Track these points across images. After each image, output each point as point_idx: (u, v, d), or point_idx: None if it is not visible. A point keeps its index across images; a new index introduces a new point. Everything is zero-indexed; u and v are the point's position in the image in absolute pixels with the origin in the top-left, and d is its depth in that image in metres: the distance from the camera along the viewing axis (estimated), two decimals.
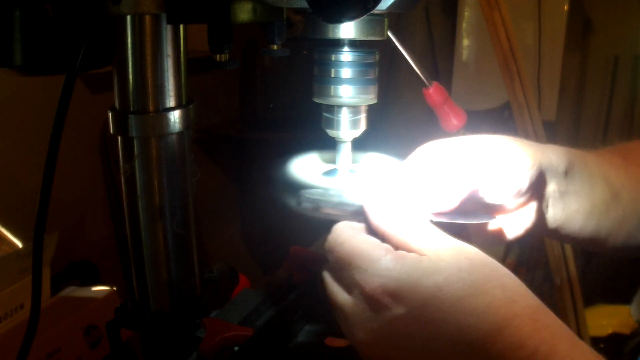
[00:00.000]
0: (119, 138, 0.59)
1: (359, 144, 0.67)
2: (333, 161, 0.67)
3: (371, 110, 0.66)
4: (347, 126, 0.63)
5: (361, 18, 0.54)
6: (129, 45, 0.55)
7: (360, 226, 0.49)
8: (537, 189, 0.56)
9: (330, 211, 0.52)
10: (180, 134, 0.59)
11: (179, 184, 0.61)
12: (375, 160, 0.71)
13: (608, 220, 0.60)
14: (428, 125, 2.32)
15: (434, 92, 0.67)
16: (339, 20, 0.52)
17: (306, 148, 0.71)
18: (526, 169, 0.53)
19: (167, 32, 0.56)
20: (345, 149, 0.65)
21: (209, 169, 2.36)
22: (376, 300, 0.42)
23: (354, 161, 0.67)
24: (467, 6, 2.41)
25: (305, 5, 0.51)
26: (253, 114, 2.40)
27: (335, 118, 0.63)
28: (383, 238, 0.47)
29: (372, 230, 0.49)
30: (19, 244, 1.14)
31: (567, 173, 0.56)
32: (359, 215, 0.50)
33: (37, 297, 0.61)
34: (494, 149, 0.53)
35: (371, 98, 0.63)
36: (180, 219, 0.62)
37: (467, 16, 2.43)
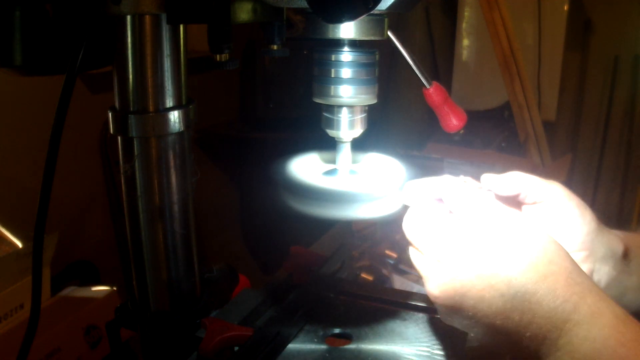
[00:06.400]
0: (119, 138, 0.59)
1: (359, 144, 0.67)
2: (333, 161, 0.67)
3: (371, 110, 0.66)
4: (347, 126, 0.63)
5: (361, 18, 0.54)
6: (129, 45, 0.55)
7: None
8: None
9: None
10: (180, 134, 0.59)
11: (179, 184, 0.61)
12: (375, 160, 0.71)
13: None
14: (428, 125, 2.33)
15: (434, 92, 0.67)
16: (339, 20, 0.52)
17: (306, 148, 0.71)
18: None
19: (167, 32, 0.56)
20: (345, 149, 0.65)
21: (209, 169, 2.36)
22: (444, 261, 0.53)
23: (354, 161, 0.67)
24: (467, 6, 2.41)
25: (305, 5, 0.51)
26: (253, 114, 2.40)
27: (335, 118, 0.63)
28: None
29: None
30: (19, 244, 1.14)
31: (624, 257, 0.63)
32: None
33: (37, 297, 0.61)
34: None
35: (371, 98, 0.63)
36: (180, 219, 0.62)
37: (467, 16, 2.43)
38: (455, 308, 0.52)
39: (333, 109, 0.63)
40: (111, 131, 0.58)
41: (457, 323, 0.54)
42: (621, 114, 2.59)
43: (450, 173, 0.60)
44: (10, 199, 1.41)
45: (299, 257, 0.77)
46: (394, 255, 1.32)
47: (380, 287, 1.06)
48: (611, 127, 2.60)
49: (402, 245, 1.32)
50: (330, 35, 0.59)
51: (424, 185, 0.59)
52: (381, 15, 0.60)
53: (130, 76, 0.56)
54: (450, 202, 0.57)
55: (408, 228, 0.58)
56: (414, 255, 0.58)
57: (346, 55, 0.61)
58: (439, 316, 0.56)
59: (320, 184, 0.63)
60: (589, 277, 0.51)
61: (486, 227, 0.53)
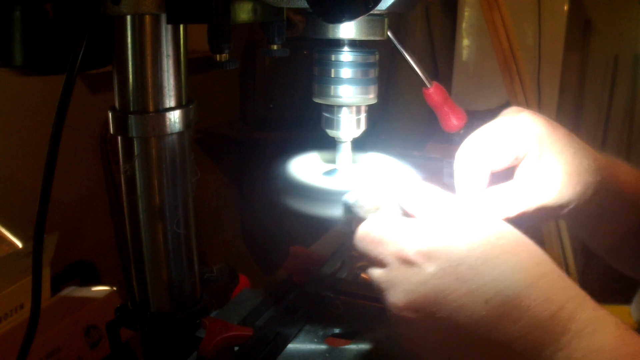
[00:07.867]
0: (119, 138, 0.59)
1: (359, 144, 0.67)
2: (333, 161, 0.67)
3: (371, 110, 0.66)
4: (347, 126, 0.63)
5: (361, 18, 0.54)
6: (129, 45, 0.55)
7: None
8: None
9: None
10: (180, 134, 0.59)
11: (179, 184, 0.61)
12: (375, 160, 0.71)
13: None
14: (428, 125, 2.33)
15: (434, 92, 0.67)
16: (339, 20, 0.52)
17: (306, 148, 0.71)
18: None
19: (167, 32, 0.56)
20: (345, 149, 0.65)
21: (209, 169, 2.36)
22: (410, 262, 0.43)
23: (354, 161, 0.67)
24: (467, 6, 2.42)
25: (305, 5, 0.51)
26: (253, 114, 2.40)
27: (335, 118, 0.63)
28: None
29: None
30: (19, 244, 1.14)
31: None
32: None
33: (37, 297, 0.61)
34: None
35: (371, 98, 0.63)
36: (180, 219, 0.62)
37: (467, 16, 2.43)
38: (426, 322, 0.43)
39: (333, 108, 0.63)
40: (111, 131, 0.58)
41: (424, 346, 0.44)
42: (621, 114, 2.59)
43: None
44: (10, 199, 1.41)
45: (299, 257, 0.77)
46: None
47: None
48: (611, 127, 2.60)
49: None
50: (330, 35, 0.59)
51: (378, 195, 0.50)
52: (381, 15, 0.60)
53: (130, 76, 0.56)
54: (414, 207, 0.48)
55: (362, 236, 0.47)
56: (370, 266, 0.47)
57: (346, 55, 0.60)
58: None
59: (320, 184, 0.63)
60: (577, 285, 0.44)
61: (461, 226, 0.44)
